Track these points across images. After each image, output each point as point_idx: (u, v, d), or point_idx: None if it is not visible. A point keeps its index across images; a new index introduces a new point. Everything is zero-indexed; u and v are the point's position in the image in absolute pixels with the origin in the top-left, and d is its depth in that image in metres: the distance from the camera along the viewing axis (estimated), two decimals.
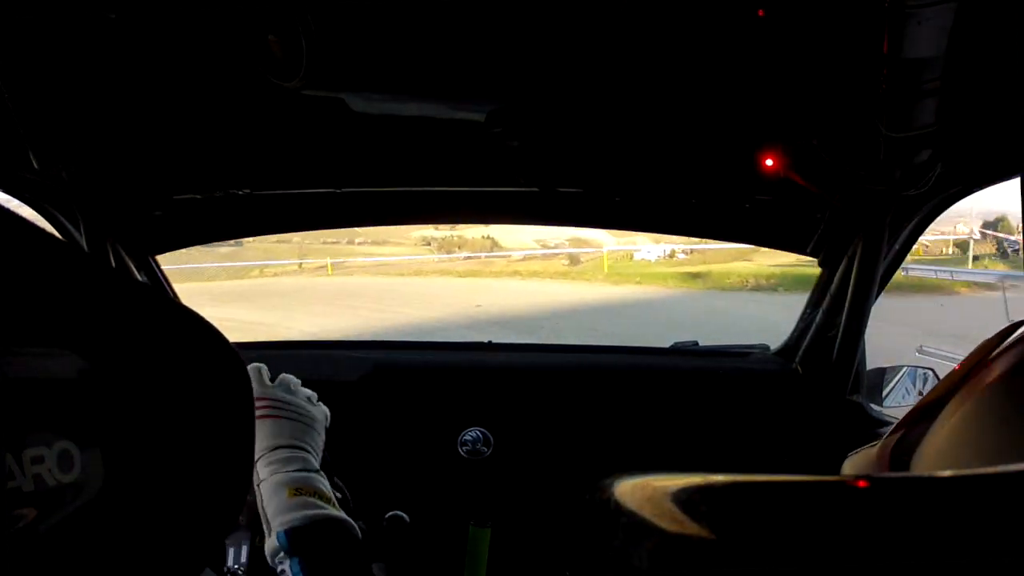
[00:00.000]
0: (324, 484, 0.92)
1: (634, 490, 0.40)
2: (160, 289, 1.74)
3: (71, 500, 0.33)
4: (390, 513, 1.63)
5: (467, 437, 1.66)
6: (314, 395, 1.03)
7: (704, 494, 0.36)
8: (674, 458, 1.65)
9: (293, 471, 0.91)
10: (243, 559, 0.99)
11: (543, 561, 1.49)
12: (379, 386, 1.72)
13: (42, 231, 0.36)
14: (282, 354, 1.82)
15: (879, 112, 1.16)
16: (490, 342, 2.02)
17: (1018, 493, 0.29)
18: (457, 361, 1.82)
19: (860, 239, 1.43)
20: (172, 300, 0.42)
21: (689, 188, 1.44)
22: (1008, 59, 1.07)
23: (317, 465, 0.95)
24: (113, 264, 1.56)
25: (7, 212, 0.34)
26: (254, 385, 0.95)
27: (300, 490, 0.88)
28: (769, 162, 1.39)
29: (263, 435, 0.93)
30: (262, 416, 0.94)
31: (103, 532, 0.35)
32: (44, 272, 0.35)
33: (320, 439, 1.00)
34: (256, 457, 0.92)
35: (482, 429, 1.66)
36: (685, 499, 0.36)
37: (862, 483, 0.33)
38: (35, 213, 1.53)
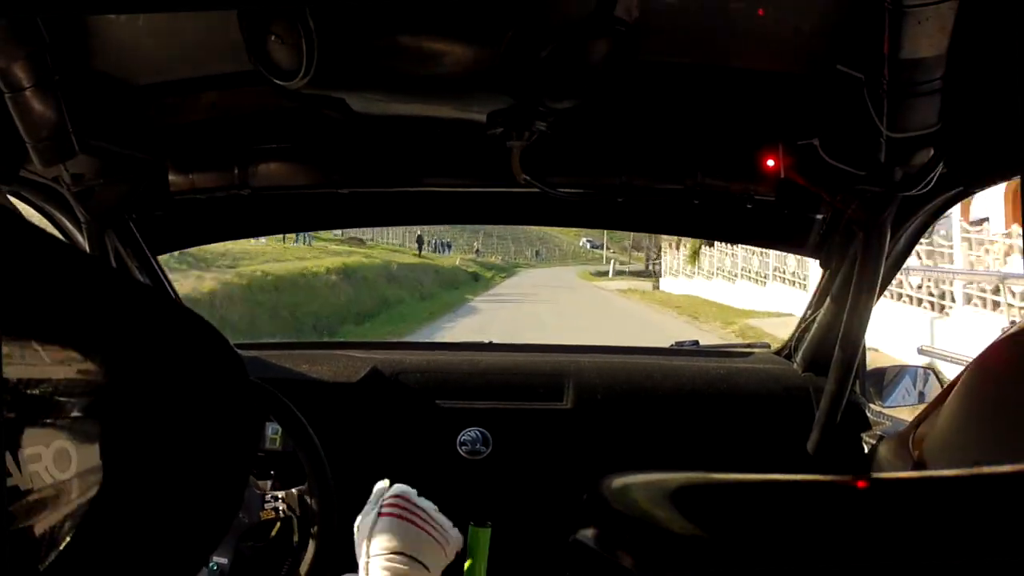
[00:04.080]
0: None
1: (633, 490, 0.41)
2: (161, 289, 1.74)
3: (68, 498, 0.33)
4: None
5: (466, 437, 1.65)
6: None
7: (703, 493, 0.37)
8: (674, 457, 1.64)
9: None
10: (225, 560, 0.99)
11: (543, 561, 1.49)
12: (378, 386, 1.71)
13: (42, 231, 0.36)
14: (282, 354, 1.82)
15: (879, 112, 1.16)
16: (490, 342, 2.02)
17: (1017, 493, 0.29)
18: (457, 361, 1.82)
19: (861, 240, 1.42)
20: (173, 300, 0.42)
21: (690, 188, 1.45)
22: (1008, 59, 1.07)
23: None
24: (113, 264, 1.56)
25: (7, 212, 0.34)
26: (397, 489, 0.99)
27: None
28: (770, 162, 1.39)
29: (386, 535, 0.93)
30: (390, 515, 0.95)
31: (100, 531, 0.35)
32: (44, 272, 0.35)
33: (443, 562, 0.98)
34: (375, 553, 0.92)
35: (481, 429, 1.66)
36: (684, 498, 0.36)
37: (861, 483, 0.33)
38: (35, 213, 1.53)
